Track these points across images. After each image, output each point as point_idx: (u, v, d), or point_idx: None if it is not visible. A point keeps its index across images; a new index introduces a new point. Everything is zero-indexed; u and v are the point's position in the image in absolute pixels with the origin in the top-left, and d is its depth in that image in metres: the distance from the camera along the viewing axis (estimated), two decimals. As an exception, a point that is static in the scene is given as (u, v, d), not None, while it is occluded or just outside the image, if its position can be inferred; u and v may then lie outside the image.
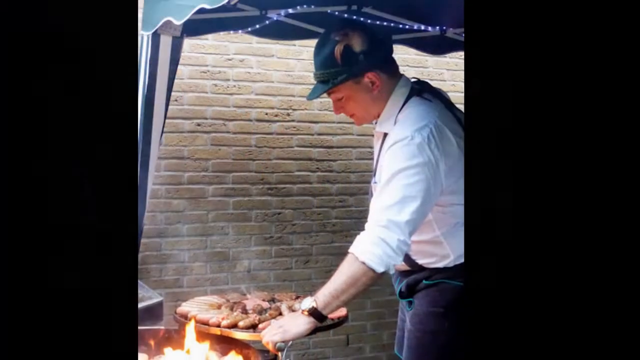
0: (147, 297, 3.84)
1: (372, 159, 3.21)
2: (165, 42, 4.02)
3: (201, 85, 5.12)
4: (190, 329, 3.04)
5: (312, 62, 3.01)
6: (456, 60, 5.81)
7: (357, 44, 2.89)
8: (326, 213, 5.54)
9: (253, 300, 3.51)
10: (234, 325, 3.05)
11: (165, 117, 4.19)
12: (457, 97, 2.98)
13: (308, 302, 2.83)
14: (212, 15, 3.74)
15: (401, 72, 3.08)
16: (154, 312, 3.70)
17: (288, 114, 5.39)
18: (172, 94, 4.23)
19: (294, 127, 5.41)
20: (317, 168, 5.49)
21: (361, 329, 5.73)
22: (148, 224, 4.77)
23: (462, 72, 3.18)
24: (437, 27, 4.35)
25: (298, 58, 5.39)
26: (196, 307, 3.36)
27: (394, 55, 3.08)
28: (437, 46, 4.72)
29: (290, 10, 4.03)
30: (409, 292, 3.11)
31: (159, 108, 4.12)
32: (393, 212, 2.75)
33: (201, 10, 2.94)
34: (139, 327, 2.92)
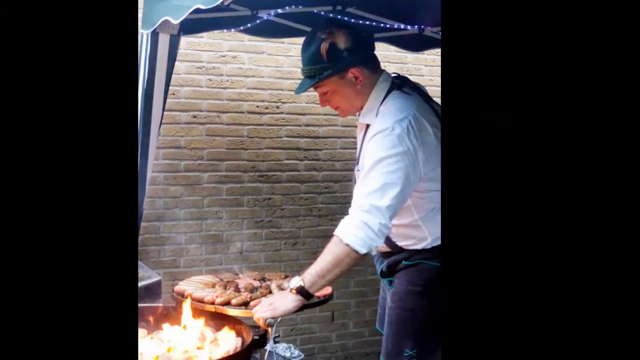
0: (146, 276, 3.84)
1: (355, 148, 3.20)
2: (164, 40, 4.01)
3: (197, 80, 5.09)
4: (186, 306, 3.04)
5: (300, 58, 3.01)
6: (433, 56, 5.80)
7: (342, 42, 2.88)
8: (313, 198, 5.54)
9: (245, 280, 3.51)
10: (227, 303, 3.05)
11: (163, 110, 4.19)
12: (435, 90, 2.98)
13: (296, 281, 2.83)
14: (207, 15, 3.73)
15: (382, 67, 3.08)
16: (153, 290, 3.69)
17: (277, 107, 5.37)
18: (170, 88, 4.21)
19: (283, 119, 5.40)
20: (305, 157, 5.48)
21: (345, 306, 5.73)
22: (147, 209, 4.77)
23: (439, 68, 3.18)
24: (416, 26, 4.35)
25: (287, 55, 5.37)
26: (192, 285, 3.36)
27: (375, 52, 3.07)
28: (415, 44, 4.72)
29: (280, 10, 4.01)
30: (389, 272, 3.11)
31: (158, 101, 4.11)
32: (375, 198, 2.75)
33: (197, 10, 2.94)
34: (139, 305, 2.92)
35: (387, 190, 2.76)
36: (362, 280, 5.70)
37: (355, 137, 3.31)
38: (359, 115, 3.08)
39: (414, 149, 2.78)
